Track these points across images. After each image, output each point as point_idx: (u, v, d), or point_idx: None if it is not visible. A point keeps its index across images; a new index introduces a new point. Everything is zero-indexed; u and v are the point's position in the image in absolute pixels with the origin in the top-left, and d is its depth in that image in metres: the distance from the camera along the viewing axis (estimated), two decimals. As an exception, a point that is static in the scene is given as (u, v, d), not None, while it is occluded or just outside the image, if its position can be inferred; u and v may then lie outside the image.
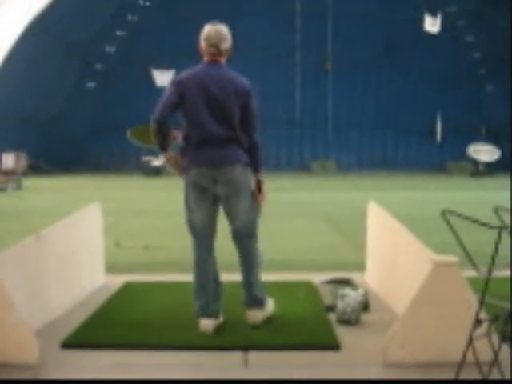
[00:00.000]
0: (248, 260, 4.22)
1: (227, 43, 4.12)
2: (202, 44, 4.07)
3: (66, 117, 42.41)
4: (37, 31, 33.49)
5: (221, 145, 3.95)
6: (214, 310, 4.03)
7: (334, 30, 39.44)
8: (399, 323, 3.41)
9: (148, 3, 38.71)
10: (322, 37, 39.11)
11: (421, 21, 33.59)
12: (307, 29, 39.05)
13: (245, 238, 4.22)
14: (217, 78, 3.98)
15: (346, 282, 5.19)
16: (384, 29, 41.47)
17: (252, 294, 4.15)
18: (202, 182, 3.99)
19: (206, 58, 4.11)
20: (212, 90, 3.94)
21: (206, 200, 4.05)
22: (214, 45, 4.03)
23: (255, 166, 4.14)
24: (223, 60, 4.13)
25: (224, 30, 4.12)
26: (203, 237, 4.11)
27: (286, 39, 40.58)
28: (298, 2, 37.57)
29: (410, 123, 44.75)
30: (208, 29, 4.08)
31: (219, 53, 4.06)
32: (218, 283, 4.21)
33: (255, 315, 4.11)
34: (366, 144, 46.52)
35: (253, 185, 4.12)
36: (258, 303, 4.15)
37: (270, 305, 4.28)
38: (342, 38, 40.37)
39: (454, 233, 2.63)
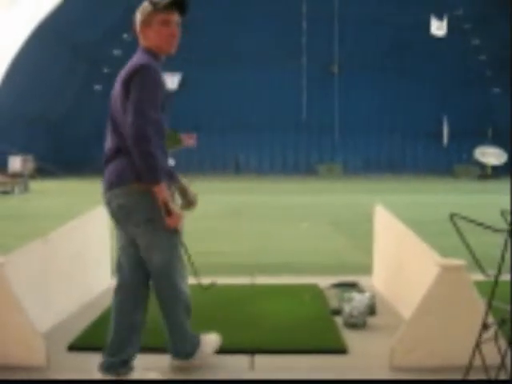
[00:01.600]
0: (160, 302, 3.20)
1: (137, 19, 3.14)
2: None
3: (73, 119, 42.60)
4: (45, 33, 33.67)
5: (108, 161, 3.10)
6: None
7: (341, 33, 39.49)
8: (406, 327, 3.40)
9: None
10: (328, 39, 39.16)
11: (427, 24, 33.56)
12: (313, 31, 39.07)
13: (154, 279, 3.16)
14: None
15: (352, 286, 5.18)
16: (390, 31, 41.48)
17: (173, 343, 3.30)
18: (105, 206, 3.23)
19: None
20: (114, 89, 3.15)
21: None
22: (133, 22, 3.18)
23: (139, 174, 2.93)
24: (144, 43, 3.13)
25: (140, 6, 3.13)
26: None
27: (291, 42, 40.62)
28: (304, 5, 37.59)
29: (417, 126, 44.75)
30: None
31: (137, 31, 3.16)
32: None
33: (180, 365, 3.36)
34: (373, 147, 46.51)
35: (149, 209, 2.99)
36: (181, 355, 3.32)
37: (208, 346, 3.42)
38: (349, 41, 40.45)
39: (461, 236, 2.62)
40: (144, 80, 2.92)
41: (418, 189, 25.25)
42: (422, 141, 45.47)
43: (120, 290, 3.19)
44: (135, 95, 2.89)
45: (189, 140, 44.91)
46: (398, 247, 4.69)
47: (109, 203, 3.12)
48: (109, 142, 3.10)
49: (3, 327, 3.35)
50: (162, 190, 2.90)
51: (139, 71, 2.93)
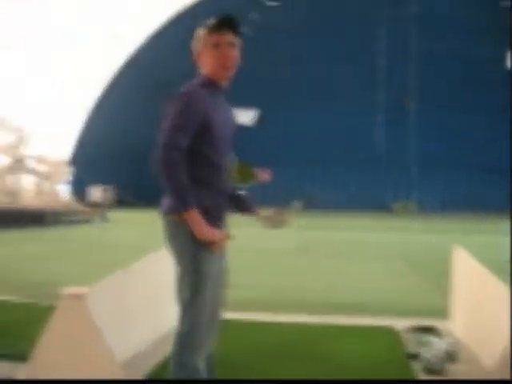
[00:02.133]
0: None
1: (193, 45, 3.10)
2: None
3: (151, 153, 43.84)
4: (131, 70, 35.10)
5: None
6: None
7: (418, 69, 39.09)
8: (488, 375, 3.27)
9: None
10: (405, 75, 38.86)
11: (503, 58, 32.81)
12: (389, 67, 38.90)
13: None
14: None
15: (430, 330, 5.02)
16: (466, 66, 40.76)
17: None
18: None
19: None
20: None
21: None
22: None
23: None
24: (201, 69, 3.08)
25: (195, 32, 3.09)
26: None
27: (368, 78, 40.57)
28: (381, 41, 37.57)
29: (498, 162, 43.34)
30: None
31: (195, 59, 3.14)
32: None
33: None
34: (450, 184, 45.40)
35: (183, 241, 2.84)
36: None
37: None
38: (426, 76, 39.95)
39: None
40: (177, 107, 2.84)
41: (498, 229, 24.33)
42: (504, 177, 43.97)
43: None
44: (166, 122, 2.83)
45: (263, 174, 45.26)
46: (478, 291, 4.52)
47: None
48: None
49: (84, 356, 3.44)
50: (192, 217, 2.72)
51: (176, 98, 2.87)
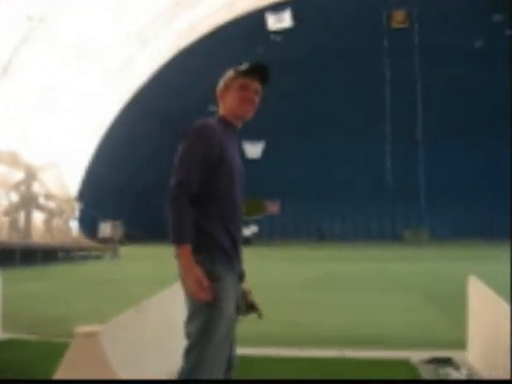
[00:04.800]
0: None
1: (218, 88, 3.17)
2: None
3: (160, 187, 44.13)
4: (134, 107, 35.54)
5: None
6: None
7: (423, 99, 39.33)
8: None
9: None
10: (411, 105, 39.08)
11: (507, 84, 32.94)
12: (396, 98, 39.16)
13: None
14: None
15: (446, 361, 4.95)
16: (474, 95, 40.97)
17: None
18: None
19: None
20: None
21: None
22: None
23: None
24: (220, 110, 3.15)
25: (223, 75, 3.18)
26: None
27: (375, 109, 40.82)
28: (386, 72, 37.88)
29: (506, 190, 43.24)
30: None
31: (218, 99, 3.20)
32: None
33: None
34: (461, 212, 45.29)
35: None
36: None
37: None
38: (432, 105, 40.17)
39: None
40: (190, 142, 2.85)
41: (510, 256, 24.12)
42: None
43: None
44: (179, 158, 2.84)
45: (272, 207, 45.37)
46: (495, 321, 4.47)
47: None
48: None
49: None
50: (185, 253, 2.67)
51: (189, 133, 2.89)
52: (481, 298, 4.91)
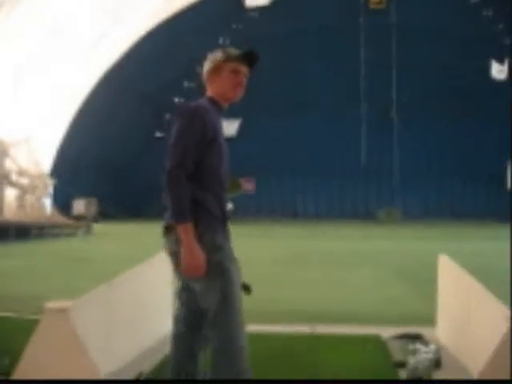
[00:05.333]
0: (213, 353, 2.96)
1: (204, 68, 3.22)
2: None
3: (136, 165, 43.81)
4: (111, 81, 35.05)
5: None
6: None
7: (399, 79, 39.44)
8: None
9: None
10: (387, 85, 39.15)
11: (488, 68, 33.18)
12: (372, 77, 39.19)
13: (209, 327, 3.01)
14: None
15: (416, 338, 5.03)
16: (449, 76, 41.19)
17: None
18: None
19: None
20: None
21: None
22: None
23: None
24: (209, 91, 3.21)
25: (209, 55, 3.23)
26: None
27: (350, 88, 40.84)
28: (362, 51, 37.84)
29: (478, 171, 43.89)
30: None
31: (205, 80, 3.26)
32: None
33: None
34: (433, 192, 45.83)
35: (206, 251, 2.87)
36: None
37: None
38: (407, 86, 40.31)
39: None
40: (185, 123, 2.93)
41: (480, 235, 24.56)
42: (484, 186, 44.48)
43: (175, 339, 3.18)
44: (173, 139, 2.92)
45: (247, 185, 45.40)
46: (464, 298, 4.54)
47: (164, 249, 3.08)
48: None
49: (67, 371, 3.40)
50: (187, 231, 2.79)
51: (183, 113, 2.97)
52: (450, 276, 4.98)
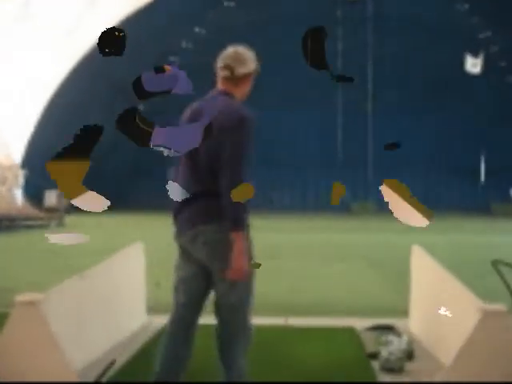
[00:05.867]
0: (225, 338, 3.32)
1: (245, 68, 3.18)
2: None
3: (109, 156, 43.34)
4: (83, 70, 34.61)
5: (187, 202, 2.92)
6: None
7: (375, 72, 39.65)
8: (445, 373, 3.31)
9: (190, 46, 39.68)
10: (363, 78, 39.32)
11: (462, 61, 33.52)
12: (347, 70, 39.27)
13: (227, 314, 3.29)
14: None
15: (389, 329, 5.07)
16: (425, 69, 41.51)
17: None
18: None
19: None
20: None
21: None
22: (229, 66, 3.15)
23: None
24: (237, 92, 3.22)
25: (246, 53, 3.22)
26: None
27: (325, 80, 40.84)
28: (338, 43, 37.96)
29: (453, 164, 44.35)
30: (227, 49, 3.25)
31: (233, 78, 3.17)
32: None
33: None
34: (407, 184, 46.07)
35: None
36: None
37: None
38: (383, 79, 40.53)
39: (505, 283, 2.56)
40: (246, 134, 3.04)
41: (454, 228, 24.83)
42: (458, 178, 44.99)
43: (173, 323, 3.26)
44: (240, 149, 3.01)
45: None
46: (436, 290, 4.59)
47: (193, 240, 3.12)
48: (186, 184, 3.00)
49: (39, 364, 3.36)
50: (243, 239, 2.99)
51: (245, 124, 3.04)
52: (423, 268, 5.03)
